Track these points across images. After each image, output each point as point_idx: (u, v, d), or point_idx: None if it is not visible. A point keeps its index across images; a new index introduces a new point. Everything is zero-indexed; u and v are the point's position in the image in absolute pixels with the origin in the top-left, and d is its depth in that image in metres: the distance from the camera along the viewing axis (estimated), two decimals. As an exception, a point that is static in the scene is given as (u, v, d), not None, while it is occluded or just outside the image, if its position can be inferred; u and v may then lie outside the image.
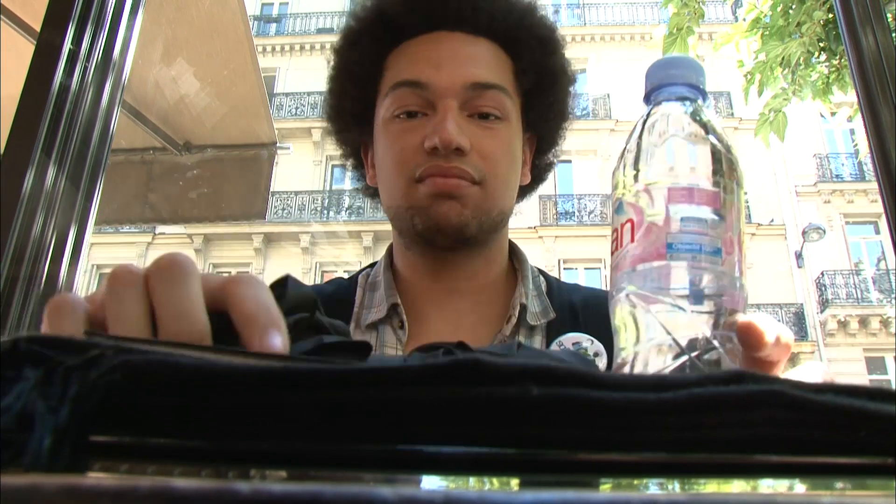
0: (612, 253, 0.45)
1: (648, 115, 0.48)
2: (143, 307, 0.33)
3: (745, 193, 0.46)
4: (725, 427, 0.21)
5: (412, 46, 0.78)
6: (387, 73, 0.79)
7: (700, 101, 0.49)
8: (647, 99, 0.50)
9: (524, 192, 0.86)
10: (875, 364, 13.23)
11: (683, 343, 0.40)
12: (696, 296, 0.42)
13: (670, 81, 0.49)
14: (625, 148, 0.48)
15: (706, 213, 0.44)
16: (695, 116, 0.48)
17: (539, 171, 0.88)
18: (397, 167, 0.75)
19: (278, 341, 0.32)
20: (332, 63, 0.85)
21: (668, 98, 0.49)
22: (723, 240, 0.43)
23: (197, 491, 0.18)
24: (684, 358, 0.40)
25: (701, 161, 0.46)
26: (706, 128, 0.47)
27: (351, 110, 0.82)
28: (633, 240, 0.44)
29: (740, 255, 0.44)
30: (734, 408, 0.21)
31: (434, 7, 0.77)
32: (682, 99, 0.49)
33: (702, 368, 0.39)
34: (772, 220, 14.10)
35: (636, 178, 0.46)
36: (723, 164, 0.46)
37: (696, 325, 0.41)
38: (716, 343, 0.41)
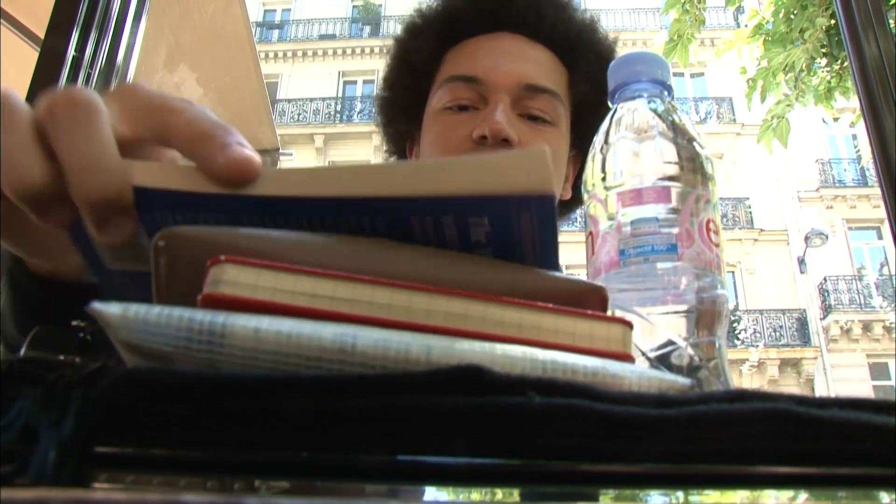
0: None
1: (611, 121, 0.48)
2: (39, 158, 0.29)
3: (713, 179, 0.45)
4: (729, 441, 0.21)
5: (472, 43, 0.79)
6: (444, 66, 0.80)
7: (663, 95, 0.48)
8: (611, 99, 0.50)
9: (564, 209, 0.85)
10: (878, 370, 13.19)
11: (648, 346, 0.40)
12: (654, 299, 0.41)
13: (629, 80, 0.49)
14: (587, 157, 0.48)
15: (656, 211, 0.43)
16: (655, 111, 0.47)
17: (579, 192, 0.87)
18: (442, 154, 0.75)
19: (246, 150, 0.29)
20: (390, 53, 0.85)
21: (623, 99, 0.48)
22: (678, 234, 0.42)
23: (205, 505, 0.18)
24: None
25: (650, 158, 0.45)
26: (666, 120, 0.46)
27: (403, 101, 0.83)
28: (593, 251, 0.43)
29: (706, 245, 0.43)
30: (738, 425, 0.21)
31: (498, 7, 0.78)
32: (637, 97, 0.48)
33: (662, 369, 0.38)
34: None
35: (593, 186, 0.46)
36: (680, 156, 0.45)
37: (659, 327, 0.41)
38: (678, 342, 0.40)
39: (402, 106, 0.83)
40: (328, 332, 0.23)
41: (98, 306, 0.24)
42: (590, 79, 0.78)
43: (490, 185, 0.28)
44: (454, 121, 0.75)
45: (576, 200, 0.85)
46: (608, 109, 0.78)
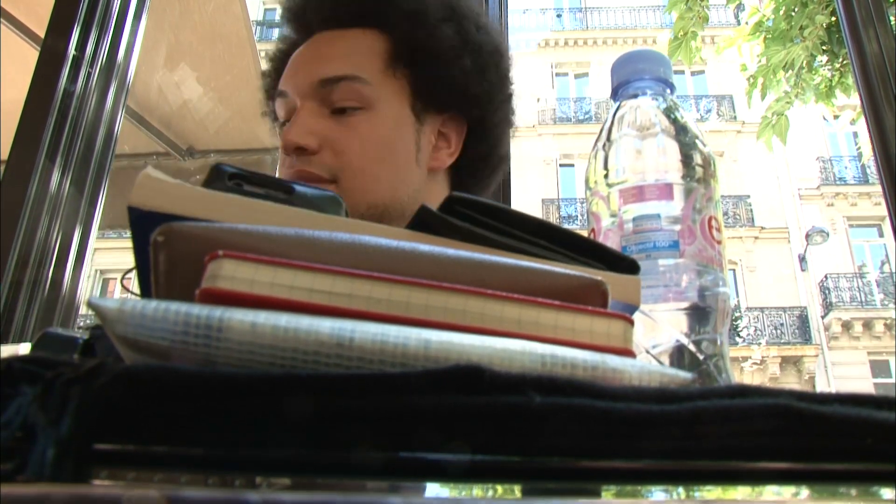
0: None
1: (613, 118, 0.48)
2: None
3: (715, 177, 0.45)
4: (730, 437, 0.21)
5: (291, 58, 0.81)
6: None
7: (665, 93, 0.48)
8: (614, 96, 0.50)
9: (460, 173, 0.82)
10: (879, 367, 13.19)
11: (651, 343, 0.40)
12: (655, 296, 0.41)
13: (632, 78, 0.49)
14: (589, 154, 0.48)
15: (658, 207, 0.43)
16: (658, 109, 0.47)
17: (473, 160, 0.82)
18: (279, 172, 0.77)
19: None
20: (263, 89, 0.88)
21: (625, 96, 0.48)
22: (680, 231, 0.42)
23: (207, 500, 0.18)
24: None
25: (652, 155, 0.45)
26: (668, 118, 0.46)
27: (272, 118, 0.86)
28: None
29: (708, 242, 0.43)
30: (739, 420, 0.21)
31: (302, 14, 0.81)
32: (640, 94, 0.48)
33: (662, 362, 0.38)
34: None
35: (595, 183, 0.46)
36: (682, 153, 0.45)
37: (661, 323, 0.41)
38: (680, 339, 0.40)
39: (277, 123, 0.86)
40: (326, 326, 0.23)
41: (95, 301, 0.24)
42: (407, 42, 0.77)
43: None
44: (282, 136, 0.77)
45: (469, 161, 0.81)
46: (448, 64, 0.75)
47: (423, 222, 0.34)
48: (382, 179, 0.74)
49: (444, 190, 0.80)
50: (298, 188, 0.35)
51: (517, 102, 0.86)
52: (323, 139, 0.72)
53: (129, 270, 0.38)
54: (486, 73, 0.79)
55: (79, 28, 1.31)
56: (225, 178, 0.34)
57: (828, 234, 13.15)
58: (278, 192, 0.34)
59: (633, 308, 0.33)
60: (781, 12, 3.52)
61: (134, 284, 0.34)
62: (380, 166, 0.74)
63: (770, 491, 0.23)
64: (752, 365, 12.81)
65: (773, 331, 13.36)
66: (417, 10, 0.77)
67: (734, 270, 13.96)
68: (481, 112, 0.80)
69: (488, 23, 0.83)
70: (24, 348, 0.56)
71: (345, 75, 0.74)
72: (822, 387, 12.68)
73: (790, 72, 3.48)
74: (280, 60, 0.83)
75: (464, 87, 0.78)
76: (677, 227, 0.42)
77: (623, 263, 0.33)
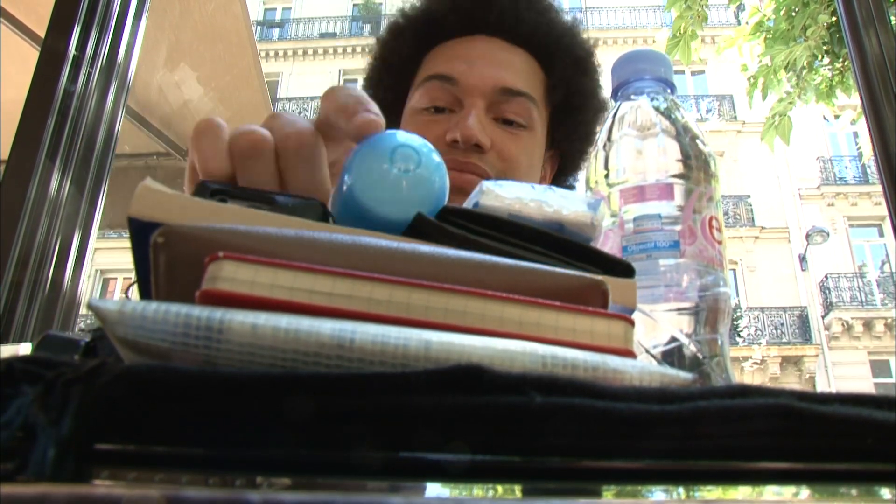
0: None
1: (613, 118, 0.48)
2: (273, 176, 0.38)
3: (715, 177, 0.45)
4: (731, 437, 0.21)
5: (450, 45, 0.80)
6: (422, 67, 0.81)
7: (665, 92, 0.48)
8: (614, 96, 0.50)
9: None
10: (879, 367, 13.18)
11: (651, 343, 0.40)
12: (656, 296, 0.41)
13: (632, 77, 0.49)
14: (564, 158, 0.48)
15: (659, 207, 0.43)
16: (657, 109, 0.47)
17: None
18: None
19: (369, 115, 0.37)
20: (373, 53, 0.88)
21: (626, 96, 0.48)
22: (680, 231, 0.42)
23: (208, 499, 0.18)
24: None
25: (653, 155, 0.45)
26: (669, 118, 0.46)
27: (383, 100, 0.84)
28: None
29: (709, 241, 0.43)
30: (740, 420, 0.21)
31: (477, 11, 0.80)
32: (640, 94, 0.48)
33: (665, 365, 0.38)
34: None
35: (596, 183, 0.46)
36: (683, 153, 0.45)
37: (661, 324, 0.41)
38: (681, 339, 0.40)
39: (383, 105, 0.84)
40: (326, 327, 0.23)
41: (95, 302, 0.24)
42: (567, 83, 0.80)
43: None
44: (429, 121, 0.76)
45: None
46: (585, 113, 0.80)
47: (419, 230, 0.34)
48: None
49: None
50: (279, 199, 0.36)
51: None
52: (494, 141, 0.74)
53: (133, 283, 0.38)
54: (595, 122, 0.84)
55: (79, 28, 1.31)
56: (207, 194, 0.35)
57: (828, 234, 13.15)
58: (261, 204, 0.35)
59: (630, 311, 0.33)
60: (782, 12, 3.52)
61: (136, 294, 0.34)
62: (530, 180, 0.78)
63: (770, 491, 0.23)
64: (753, 365, 12.80)
65: (774, 331, 13.36)
66: (583, 59, 0.82)
67: (734, 270, 13.96)
68: (582, 154, 0.86)
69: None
70: (24, 349, 0.56)
71: (525, 92, 0.77)
72: (822, 387, 12.67)
73: (791, 72, 3.47)
74: (414, 39, 0.82)
75: (589, 136, 0.84)
76: (678, 227, 0.42)
77: (619, 267, 0.34)
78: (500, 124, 0.76)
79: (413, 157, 0.36)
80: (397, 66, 0.83)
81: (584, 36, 0.84)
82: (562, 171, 0.88)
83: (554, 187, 0.38)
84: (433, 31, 0.81)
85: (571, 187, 0.91)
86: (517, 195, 0.36)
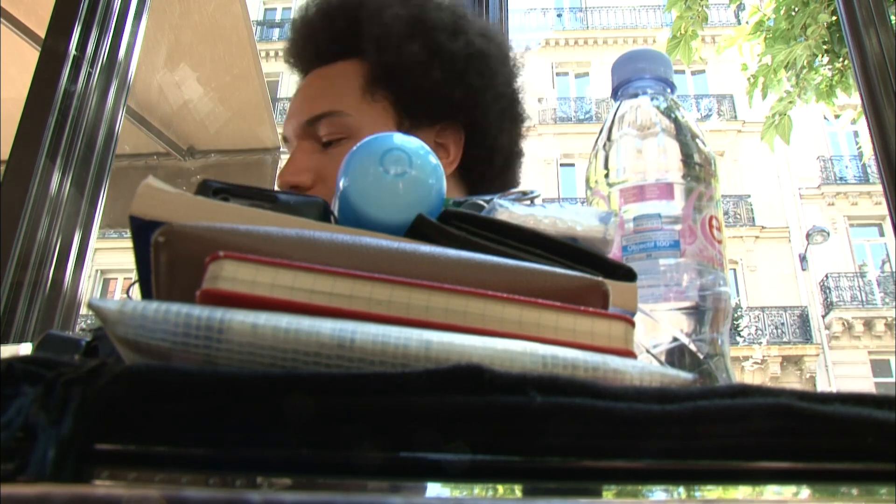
0: None
1: (614, 117, 0.48)
2: None
3: (716, 176, 0.45)
4: (731, 437, 0.21)
5: None
6: None
7: (665, 92, 0.48)
8: (614, 96, 0.50)
9: (473, 180, 0.83)
10: (880, 367, 13.18)
11: (652, 343, 0.40)
12: (656, 296, 0.41)
13: (632, 77, 0.49)
14: (590, 154, 0.48)
15: (659, 207, 0.43)
16: (658, 109, 0.47)
17: (480, 158, 0.83)
18: None
19: None
20: None
21: (626, 96, 0.48)
22: (681, 231, 0.42)
23: (208, 500, 0.18)
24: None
25: (653, 155, 0.45)
26: (669, 117, 0.46)
27: None
28: None
29: (709, 241, 0.43)
30: (740, 420, 0.21)
31: (295, 57, 0.88)
32: (640, 94, 0.48)
33: (665, 365, 0.38)
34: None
35: (596, 183, 0.46)
36: (683, 152, 0.45)
37: (662, 323, 0.41)
38: (681, 339, 0.40)
39: None
40: (327, 327, 0.23)
41: (96, 302, 0.24)
42: (383, 62, 0.79)
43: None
44: None
45: (469, 168, 0.83)
46: (422, 74, 0.77)
47: (419, 231, 0.34)
48: None
49: (458, 195, 0.81)
50: (282, 196, 0.36)
51: (519, 99, 0.87)
52: (316, 174, 0.76)
53: (134, 283, 0.38)
54: (464, 78, 0.80)
55: (79, 28, 1.31)
56: (209, 192, 0.35)
57: (828, 234, 13.15)
58: (263, 202, 0.35)
59: (631, 314, 0.33)
60: (782, 12, 3.52)
61: (137, 294, 0.34)
62: None
63: (771, 490, 0.23)
64: (753, 364, 12.80)
65: (774, 330, 13.36)
66: (381, 34, 0.80)
67: (735, 270, 13.96)
68: (469, 116, 0.81)
69: (470, 29, 0.84)
70: (24, 349, 0.56)
71: (324, 112, 0.78)
72: (822, 386, 12.67)
73: (791, 71, 3.47)
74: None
75: (440, 95, 0.80)
76: (678, 227, 0.42)
77: (620, 271, 0.34)
78: (327, 148, 0.78)
79: (405, 160, 0.36)
80: None
81: (390, 10, 0.82)
82: (469, 138, 0.82)
83: (565, 204, 0.38)
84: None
85: (489, 157, 0.84)
86: (530, 212, 0.36)
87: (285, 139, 0.83)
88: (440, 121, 0.81)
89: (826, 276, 13.54)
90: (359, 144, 0.37)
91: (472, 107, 0.81)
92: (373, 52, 0.80)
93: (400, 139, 0.37)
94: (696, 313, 0.41)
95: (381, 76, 0.80)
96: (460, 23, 0.84)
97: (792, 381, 12.91)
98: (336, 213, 0.37)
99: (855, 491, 0.23)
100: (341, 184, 0.36)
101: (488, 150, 0.83)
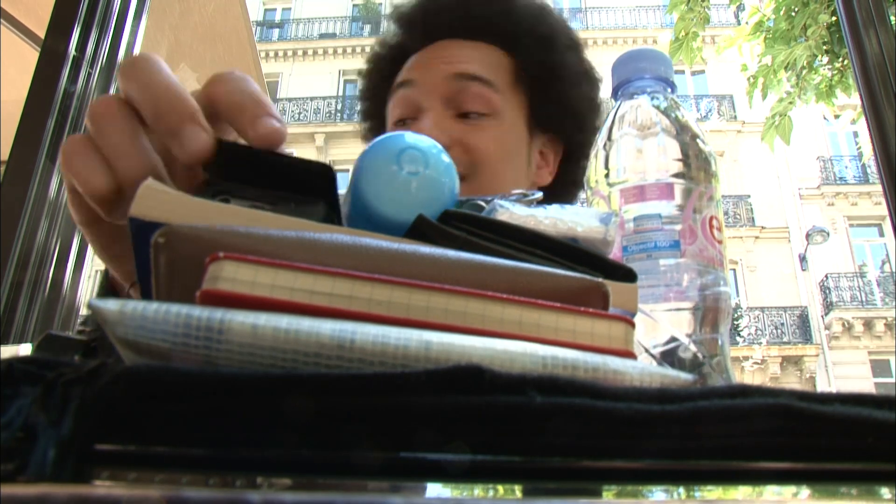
0: None
1: (614, 117, 0.48)
2: (97, 162, 0.35)
3: (716, 176, 0.45)
4: (731, 437, 0.21)
5: (412, 58, 0.83)
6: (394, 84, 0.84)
7: (666, 92, 0.48)
8: (614, 96, 0.50)
9: (554, 196, 0.85)
10: (880, 367, 13.18)
11: (652, 343, 0.40)
12: (656, 296, 0.41)
13: (632, 77, 0.49)
14: (590, 154, 0.48)
15: (659, 207, 0.43)
16: (658, 108, 0.47)
17: (566, 181, 0.87)
18: None
19: (273, 122, 0.34)
20: (360, 89, 0.93)
21: (626, 96, 0.48)
22: (681, 231, 0.42)
23: (208, 500, 0.18)
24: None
25: (653, 155, 0.45)
26: (669, 117, 0.46)
27: (374, 113, 0.88)
28: None
29: (709, 241, 0.43)
30: (740, 420, 0.21)
31: (429, 22, 0.83)
32: (640, 94, 0.48)
33: (665, 365, 0.38)
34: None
35: (596, 182, 0.46)
36: (683, 152, 0.45)
37: (662, 323, 0.41)
38: (681, 339, 0.40)
39: (375, 116, 0.89)
40: (326, 328, 0.23)
41: (96, 302, 0.24)
42: (534, 61, 0.80)
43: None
44: None
45: (562, 184, 0.86)
46: (559, 85, 0.79)
47: (420, 231, 0.34)
48: (509, 181, 0.77)
49: None
50: (281, 199, 0.36)
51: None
52: (452, 138, 0.74)
53: (133, 283, 0.38)
54: (593, 100, 0.84)
55: (79, 28, 1.31)
56: (209, 194, 0.35)
57: (828, 234, 13.15)
58: (263, 204, 0.35)
59: (631, 315, 0.33)
60: (782, 12, 3.52)
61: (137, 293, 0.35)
62: (506, 168, 0.78)
63: (771, 491, 0.23)
64: (753, 364, 12.81)
65: (774, 330, 13.36)
66: (548, 35, 0.82)
67: (735, 270, 13.96)
68: (582, 136, 0.84)
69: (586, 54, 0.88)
70: (24, 349, 0.56)
71: (480, 76, 0.77)
72: (822, 386, 12.67)
73: (791, 72, 3.48)
74: (388, 62, 0.86)
75: (575, 111, 0.83)
76: (678, 227, 0.42)
77: (620, 272, 0.34)
78: (461, 119, 0.76)
79: (420, 159, 0.36)
80: (376, 92, 0.87)
81: (552, 17, 0.84)
82: (568, 157, 0.86)
83: (565, 205, 0.38)
84: (402, 50, 0.85)
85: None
86: (531, 213, 0.36)
87: (404, 84, 0.79)
88: (553, 132, 0.84)
89: (826, 277, 13.54)
90: (371, 143, 0.37)
91: (589, 127, 0.84)
92: (532, 50, 0.80)
93: (413, 138, 0.37)
94: (697, 314, 0.41)
95: (533, 73, 0.80)
96: (583, 47, 0.87)
97: (792, 382, 12.91)
98: (347, 212, 0.37)
99: (855, 491, 0.23)
100: (356, 183, 0.36)
101: (581, 173, 0.86)
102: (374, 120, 0.88)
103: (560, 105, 0.82)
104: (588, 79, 0.84)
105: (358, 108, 0.93)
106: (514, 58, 0.81)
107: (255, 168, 0.36)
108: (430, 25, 0.83)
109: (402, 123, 0.78)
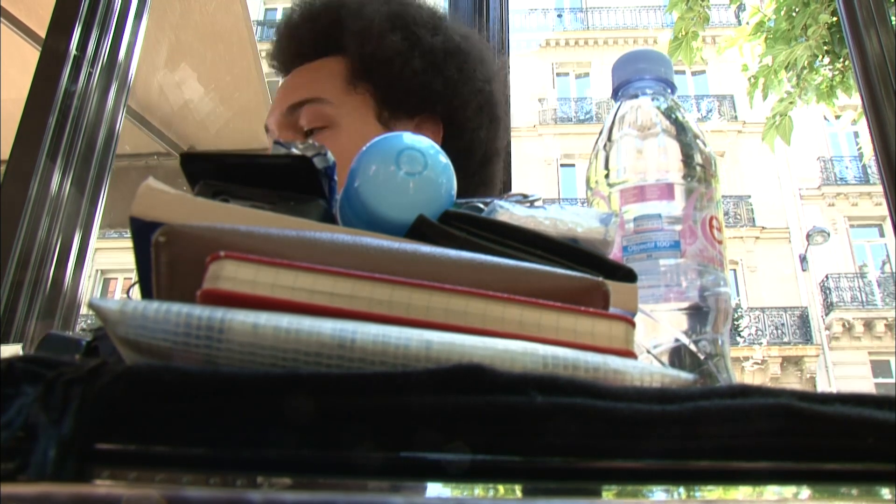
0: None
1: (614, 118, 0.48)
2: None
3: (716, 177, 0.45)
4: (732, 437, 0.21)
5: None
6: None
7: (666, 92, 0.48)
8: (615, 96, 0.50)
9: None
10: (880, 367, 13.18)
11: (652, 343, 0.40)
12: (657, 296, 0.41)
13: (633, 77, 0.49)
14: (590, 154, 0.48)
15: (659, 207, 0.43)
16: (658, 109, 0.47)
17: (462, 151, 0.84)
18: None
19: None
20: None
21: (626, 96, 0.48)
22: (681, 231, 0.42)
23: (209, 499, 0.18)
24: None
25: (653, 155, 0.45)
26: (669, 117, 0.46)
27: None
28: None
29: (709, 241, 0.43)
30: (741, 420, 0.21)
31: (278, 58, 0.89)
32: (641, 94, 0.48)
33: (663, 362, 0.38)
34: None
35: (596, 183, 0.46)
36: (683, 153, 0.45)
37: (662, 324, 0.41)
38: (682, 339, 0.40)
39: None
40: (327, 327, 0.23)
41: (96, 302, 0.24)
42: (362, 57, 0.81)
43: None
44: None
45: (454, 162, 0.85)
46: (396, 67, 0.79)
47: (420, 232, 0.34)
48: None
49: None
50: (281, 198, 0.36)
51: (499, 99, 0.89)
52: None
53: (134, 284, 0.38)
54: (442, 71, 0.82)
55: (80, 28, 1.31)
56: (209, 194, 0.35)
57: (829, 234, 13.15)
58: (263, 204, 0.35)
59: (631, 315, 0.33)
60: (783, 12, 3.52)
61: (137, 294, 0.34)
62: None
63: (771, 491, 0.23)
64: (754, 365, 12.80)
65: (774, 331, 13.36)
66: (362, 27, 0.82)
67: (735, 270, 13.96)
68: (446, 109, 0.83)
69: (449, 28, 0.87)
70: (25, 349, 0.56)
71: (306, 99, 0.80)
72: (822, 387, 12.67)
73: (791, 72, 3.47)
74: None
75: (418, 86, 0.81)
76: (678, 227, 0.42)
77: (620, 272, 0.34)
78: (304, 138, 0.79)
79: (419, 160, 0.36)
80: None
81: (373, 5, 0.85)
82: (451, 133, 0.84)
83: (566, 205, 0.38)
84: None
85: (477, 144, 0.86)
86: (531, 213, 0.36)
87: (267, 130, 0.83)
88: (419, 113, 0.83)
89: (826, 277, 13.54)
90: (370, 144, 0.37)
91: (450, 100, 0.83)
92: (354, 46, 0.82)
93: (411, 138, 0.37)
94: (697, 314, 0.41)
95: (362, 67, 0.81)
96: (440, 21, 0.87)
97: (792, 382, 12.91)
98: (344, 212, 0.37)
99: (855, 491, 0.23)
100: (354, 183, 0.36)
101: (466, 144, 0.85)
102: None
103: (396, 87, 0.81)
104: (423, 52, 0.82)
105: None
106: (347, 61, 0.83)
107: (228, 172, 0.36)
108: (283, 61, 0.89)
109: None
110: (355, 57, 0.82)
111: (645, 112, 0.47)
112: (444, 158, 0.37)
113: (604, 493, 0.23)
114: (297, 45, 0.87)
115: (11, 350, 0.60)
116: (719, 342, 0.41)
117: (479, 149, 0.87)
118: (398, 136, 0.37)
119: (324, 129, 0.79)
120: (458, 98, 0.84)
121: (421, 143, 0.37)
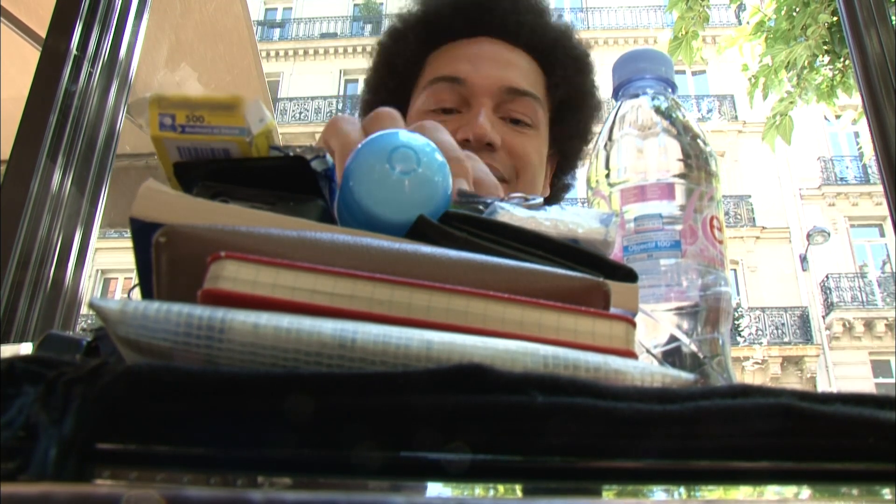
0: None
1: (614, 117, 0.48)
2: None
3: (717, 176, 0.45)
4: (732, 437, 0.21)
5: (453, 47, 0.82)
6: (426, 70, 0.83)
7: (666, 92, 0.48)
8: (615, 96, 0.50)
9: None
10: (880, 367, 13.18)
11: (652, 343, 0.40)
12: (657, 296, 0.41)
13: (633, 77, 0.49)
14: (591, 154, 0.48)
15: (660, 207, 0.43)
16: (657, 109, 0.47)
17: (556, 191, 0.91)
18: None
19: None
20: (373, 58, 0.89)
21: (626, 96, 0.48)
22: (681, 231, 0.42)
23: (210, 499, 0.18)
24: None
25: (653, 155, 0.45)
26: (670, 117, 0.46)
27: (385, 103, 0.86)
28: None
29: (710, 241, 0.43)
30: (741, 420, 0.21)
31: (480, 13, 0.82)
32: (641, 94, 0.48)
33: (666, 365, 0.38)
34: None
35: (597, 183, 0.46)
36: (684, 152, 0.45)
37: (662, 323, 0.41)
38: (682, 339, 0.40)
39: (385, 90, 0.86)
40: (328, 327, 0.23)
41: (97, 301, 0.24)
42: (566, 83, 0.83)
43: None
44: (439, 121, 0.78)
45: (553, 197, 0.90)
46: (583, 112, 0.82)
47: (421, 232, 0.34)
48: (538, 189, 0.82)
49: None
50: (281, 199, 0.36)
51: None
52: (504, 140, 0.77)
53: (135, 285, 0.38)
54: (591, 122, 0.87)
55: (80, 27, 1.31)
56: (209, 195, 0.35)
57: (829, 234, 13.14)
58: (262, 204, 0.35)
59: (632, 315, 0.33)
60: (783, 12, 3.52)
61: (138, 295, 0.34)
62: (538, 177, 0.81)
63: (771, 491, 0.23)
64: (754, 365, 12.80)
65: (775, 331, 13.36)
66: (579, 59, 0.85)
67: (735, 270, 13.96)
68: (579, 157, 0.89)
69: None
70: (25, 348, 0.56)
71: (531, 92, 0.80)
72: (823, 387, 12.67)
73: (791, 71, 3.48)
74: (426, 39, 0.84)
75: (584, 136, 0.87)
76: (679, 227, 0.42)
77: (620, 272, 0.34)
78: (508, 123, 0.77)
79: (413, 158, 0.35)
80: (400, 70, 0.84)
81: (579, 37, 0.87)
82: (560, 169, 0.90)
83: (565, 206, 0.38)
84: (436, 34, 0.83)
85: (568, 186, 0.92)
86: (532, 214, 0.36)
87: (456, 80, 0.78)
88: (558, 148, 0.87)
89: (826, 277, 13.54)
90: (364, 142, 0.37)
91: (581, 148, 0.89)
92: (559, 72, 0.82)
93: (406, 136, 0.37)
94: (697, 313, 0.41)
95: (553, 93, 0.83)
96: (593, 65, 0.89)
97: (792, 382, 12.90)
98: (339, 212, 0.37)
99: (855, 491, 0.23)
100: (348, 182, 0.36)
101: (564, 186, 0.92)
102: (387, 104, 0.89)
103: (577, 128, 0.85)
104: (600, 102, 0.87)
105: (365, 84, 0.91)
106: (546, 74, 0.83)
107: (224, 175, 0.36)
108: (480, 19, 0.81)
109: (445, 112, 0.78)
110: (563, 80, 0.82)
111: (645, 111, 0.47)
112: (439, 157, 0.37)
113: (604, 493, 0.23)
114: (508, 21, 0.82)
115: (21, 349, 0.60)
116: (719, 342, 0.41)
117: (565, 189, 0.93)
118: (392, 134, 0.37)
119: (531, 126, 0.79)
120: (584, 146, 0.89)
121: (415, 141, 0.36)
